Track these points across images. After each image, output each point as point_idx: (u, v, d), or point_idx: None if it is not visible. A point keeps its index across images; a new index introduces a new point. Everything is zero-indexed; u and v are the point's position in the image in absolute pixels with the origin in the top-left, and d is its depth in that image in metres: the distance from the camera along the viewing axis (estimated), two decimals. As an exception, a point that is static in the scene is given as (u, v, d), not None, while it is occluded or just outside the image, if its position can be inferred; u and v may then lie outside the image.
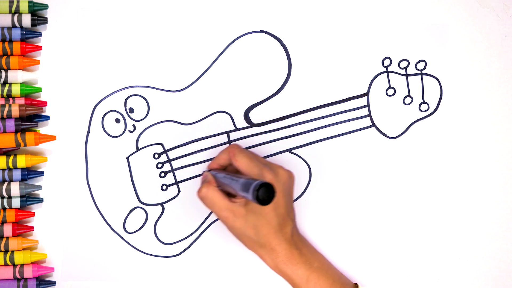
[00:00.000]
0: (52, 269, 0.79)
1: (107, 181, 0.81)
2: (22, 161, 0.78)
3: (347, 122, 0.82)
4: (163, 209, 0.81)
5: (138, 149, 0.81)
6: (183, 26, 0.82)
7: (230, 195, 0.74)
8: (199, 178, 0.81)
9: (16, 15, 0.79)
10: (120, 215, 0.81)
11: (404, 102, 0.83)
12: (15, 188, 0.78)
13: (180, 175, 0.81)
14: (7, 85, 0.79)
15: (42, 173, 0.80)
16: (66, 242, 0.80)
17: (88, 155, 0.81)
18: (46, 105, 0.81)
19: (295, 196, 0.82)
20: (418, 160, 0.82)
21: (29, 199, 0.79)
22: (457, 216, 0.82)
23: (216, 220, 0.81)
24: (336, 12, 0.83)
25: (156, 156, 0.81)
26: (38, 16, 0.80)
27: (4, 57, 0.79)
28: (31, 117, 0.79)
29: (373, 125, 0.82)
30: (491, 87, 0.83)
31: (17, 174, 0.78)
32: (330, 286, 0.75)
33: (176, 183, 0.81)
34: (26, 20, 0.79)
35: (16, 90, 0.79)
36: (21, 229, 0.79)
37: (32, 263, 0.79)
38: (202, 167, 0.82)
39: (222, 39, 0.82)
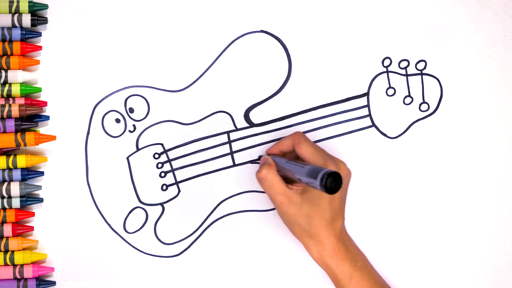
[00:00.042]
0: (52, 269, 0.79)
1: (107, 181, 0.81)
2: (22, 161, 0.78)
3: (347, 122, 0.82)
4: (163, 209, 0.81)
5: (138, 149, 0.81)
6: (183, 26, 0.82)
7: (287, 182, 0.74)
8: (199, 178, 0.81)
9: (16, 15, 0.79)
10: (120, 215, 0.81)
11: (404, 102, 0.83)
12: (15, 188, 0.78)
13: (180, 175, 0.81)
14: (7, 85, 0.79)
15: (42, 173, 0.80)
16: (66, 242, 0.80)
17: (88, 155, 0.81)
18: (46, 105, 0.81)
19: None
20: (418, 160, 0.82)
21: (29, 199, 0.79)
22: (457, 216, 0.82)
23: (216, 220, 0.81)
24: (336, 12, 0.83)
25: (156, 156, 0.81)
26: (38, 16, 0.81)
27: (4, 57, 0.79)
28: (31, 117, 0.79)
29: (373, 125, 0.82)
30: (491, 87, 0.83)
31: (17, 174, 0.78)
32: (372, 287, 0.74)
33: (176, 183, 0.81)
34: (26, 20, 0.80)
35: (16, 90, 0.79)
36: (21, 229, 0.79)
37: (32, 263, 0.79)
38: (202, 167, 0.82)
39: (222, 39, 0.82)
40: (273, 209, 0.82)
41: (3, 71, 0.79)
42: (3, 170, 0.78)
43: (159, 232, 0.81)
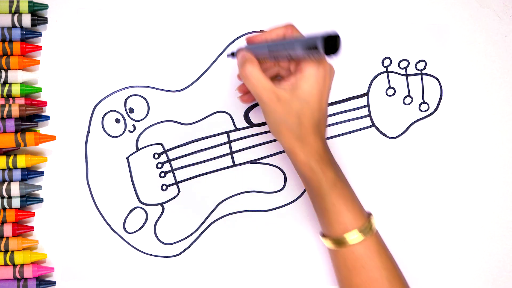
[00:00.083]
0: (52, 269, 0.79)
1: (107, 181, 0.81)
2: (22, 161, 0.78)
3: (347, 122, 0.82)
4: (163, 209, 0.81)
5: (138, 149, 0.81)
6: (183, 26, 0.82)
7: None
8: (199, 178, 0.81)
9: (16, 15, 0.79)
10: (120, 215, 0.81)
11: (404, 102, 0.83)
12: (15, 188, 0.78)
13: (180, 175, 0.81)
14: (7, 85, 0.79)
15: (42, 173, 0.80)
16: (66, 242, 0.80)
17: (88, 155, 0.81)
18: (46, 105, 0.81)
19: (294, 196, 0.82)
20: (418, 160, 0.82)
21: (29, 199, 0.79)
22: (457, 216, 0.82)
23: (216, 220, 0.81)
24: (336, 12, 0.83)
25: (156, 156, 0.81)
26: (38, 16, 0.81)
27: (4, 57, 0.79)
28: (31, 117, 0.80)
29: (373, 125, 0.82)
30: (491, 87, 0.83)
31: (17, 174, 0.78)
32: (352, 201, 0.70)
33: (176, 183, 0.81)
34: (26, 20, 0.80)
35: (16, 90, 0.79)
36: (21, 229, 0.79)
37: (32, 263, 0.79)
38: (202, 167, 0.82)
39: (222, 39, 0.82)
40: (273, 209, 0.82)
41: (3, 71, 0.79)
42: (3, 170, 0.78)
43: (159, 232, 0.81)
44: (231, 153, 0.82)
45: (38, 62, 0.80)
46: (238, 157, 0.82)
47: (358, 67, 0.83)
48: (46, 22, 0.81)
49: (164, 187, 0.81)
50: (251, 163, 0.82)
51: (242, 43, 0.82)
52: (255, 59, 0.69)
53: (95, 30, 0.81)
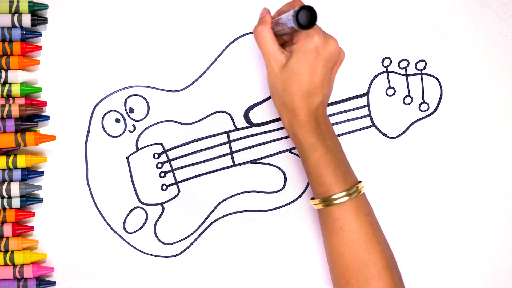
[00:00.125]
0: (52, 269, 0.79)
1: (107, 181, 0.81)
2: (22, 161, 0.78)
3: (347, 122, 0.82)
4: (163, 209, 0.81)
5: (138, 149, 0.81)
6: (183, 26, 0.82)
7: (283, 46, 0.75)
8: (199, 178, 0.81)
9: (16, 15, 0.79)
10: (120, 215, 0.81)
11: (404, 102, 0.83)
12: (15, 188, 0.78)
13: (180, 175, 0.81)
14: (7, 85, 0.79)
15: (42, 173, 0.80)
16: (66, 242, 0.80)
17: (88, 155, 0.81)
18: (46, 105, 0.81)
19: (294, 196, 0.82)
20: (418, 160, 0.82)
21: (29, 199, 0.79)
22: (457, 216, 0.82)
23: (216, 220, 0.81)
24: (336, 12, 0.83)
25: (156, 156, 0.81)
26: (38, 16, 0.81)
27: (4, 57, 0.79)
28: (31, 117, 0.80)
29: (373, 125, 0.82)
30: (491, 87, 0.83)
31: (17, 174, 0.78)
32: (335, 165, 0.74)
33: (176, 183, 0.81)
34: (26, 20, 0.80)
35: (16, 90, 0.79)
36: (21, 229, 0.79)
37: (32, 263, 0.79)
38: (202, 167, 0.82)
39: (222, 39, 0.82)
40: (273, 209, 0.82)
41: (3, 71, 0.79)
42: (3, 170, 0.78)
43: (159, 232, 0.81)
44: (231, 153, 0.82)
45: (38, 62, 0.80)
46: (238, 157, 0.82)
47: (358, 67, 0.83)
48: (46, 22, 0.81)
49: (164, 187, 0.81)
50: (251, 163, 0.82)
51: (242, 42, 0.82)
52: (269, 21, 0.74)
53: (95, 30, 0.81)
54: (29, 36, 0.80)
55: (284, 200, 0.82)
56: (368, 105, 0.82)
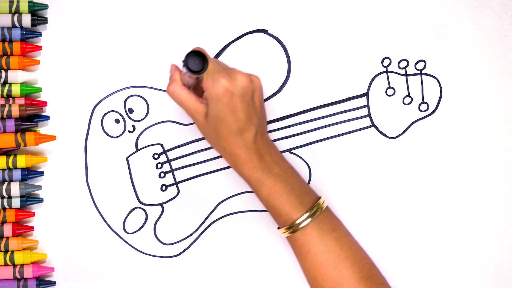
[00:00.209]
0: (52, 269, 0.79)
1: (106, 181, 0.81)
2: (22, 161, 0.78)
3: (347, 122, 0.82)
4: (163, 209, 0.81)
5: (137, 150, 0.81)
6: (183, 26, 0.82)
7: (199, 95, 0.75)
8: (199, 179, 0.81)
9: (16, 15, 0.79)
10: (119, 215, 0.81)
11: (403, 102, 0.83)
12: (15, 188, 0.78)
13: (180, 175, 0.81)
14: (7, 85, 0.79)
15: (42, 173, 0.80)
16: (66, 242, 0.80)
17: (87, 155, 0.81)
18: (46, 105, 0.81)
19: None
20: (417, 160, 0.82)
21: (29, 199, 0.79)
22: (457, 216, 0.82)
23: (216, 220, 0.81)
24: (335, 12, 0.83)
25: (156, 156, 0.81)
26: (38, 16, 0.81)
27: (4, 57, 0.79)
28: (31, 117, 0.80)
29: (373, 125, 0.82)
30: (491, 87, 0.83)
31: (17, 174, 0.79)
32: (287, 193, 0.74)
33: (176, 183, 0.81)
34: (26, 20, 0.80)
35: (16, 90, 0.79)
36: (21, 229, 0.79)
37: (32, 263, 0.79)
38: (202, 168, 0.82)
39: (222, 39, 0.82)
40: (273, 209, 0.82)
41: (3, 71, 0.79)
42: (3, 170, 0.78)
43: (159, 233, 0.81)
44: (231, 153, 0.82)
45: (38, 62, 0.80)
46: (238, 157, 0.82)
47: (357, 67, 0.83)
48: (46, 22, 0.81)
49: (163, 188, 0.81)
50: (250, 163, 0.82)
51: (241, 43, 0.82)
52: (177, 78, 0.74)
53: (95, 30, 0.81)
54: (29, 36, 0.80)
55: (284, 200, 0.82)
56: (367, 105, 0.82)
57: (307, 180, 0.82)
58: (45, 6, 0.81)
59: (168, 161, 0.81)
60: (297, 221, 0.74)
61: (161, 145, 0.81)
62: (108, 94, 0.81)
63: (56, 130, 0.81)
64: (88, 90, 0.81)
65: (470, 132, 0.83)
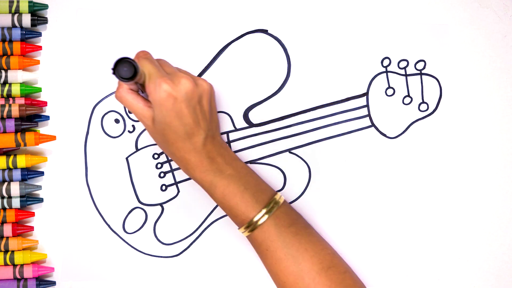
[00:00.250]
0: (52, 269, 0.79)
1: (106, 181, 0.81)
2: (22, 161, 0.78)
3: (346, 122, 0.82)
4: (163, 209, 0.81)
5: (137, 149, 0.81)
6: (182, 26, 0.82)
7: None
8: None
9: (16, 15, 0.79)
10: (119, 215, 0.81)
11: (403, 102, 0.83)
12: (15, 188, 0.78)
13: (180, 175, 0.81)
14: (7, 85, 0.79)
15: (42, 173, 0.80)
16: (66, 242, 0.80)
17: (87, 155, 0.81)
18: (46, 105, 0.81)
19: (294, 196, 0.82)
20: (417, 160, 0.82)
21: (29, 199, 0.79)
22: (457, 216, 0.82)
23: (216, 220, 0.81)
24: (335, 12, 0.83)
25: (156, 156, 0.81)
26: (38, 16, 0.81)
27: (4, 57, 0.79)
28: (31, 117, 0.80)
29: (373, 125, 0.82)
30: (491, 87, 0.83)
31: (17, 174, 0.79)
32: (241, 193, 0.74)
33: (176, 183, 0.81)
34: (26, 20, 0.80)
35: (16, 90, 0.79)
36: (21, 229, 0.79)
37: (32, 263, 0.79)
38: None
39: (221, 39, 0.82)
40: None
41: (3, 71, 0.79)
42: (3, 170, 0.78)
43: (159, 233, 0.81)
44: (231, 153, 0.82)
45: (38, 62, 0.80)
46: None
47: (357, 67, 0.83)
48: (46, 22, 0.81)
49: (163, 187, 0.81)
50: (250, 163, 0.82)
51: (241, 43, 0.82)
52: (122, 83, 0.73)
53: (95, 30, 0.81)
54: (29, 36, 0.80)
55: (283, 200, 0.82)
56: (367, 105, 0.82)
57: (306, 180, 0.82)
58: (45, 6, 0.81)
59: (168, 161, 0.81)
60: (254, 219, 0.74)
61: (161, 145, 0.81)
62: (108, 94, 0.81)
63: (56, 130, 0.81)
64: (88, 90, 0.81)
65: (470, 132, 0.83)
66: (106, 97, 0.81)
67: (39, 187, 0.80)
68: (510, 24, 0.84)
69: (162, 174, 0.81)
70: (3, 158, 0.78)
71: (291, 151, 0.82)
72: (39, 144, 0.79)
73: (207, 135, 0.74)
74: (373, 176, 0.82)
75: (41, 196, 0.80)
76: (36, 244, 0.80)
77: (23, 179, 0.79)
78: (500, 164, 0.83)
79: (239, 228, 0.75)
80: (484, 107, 0.83)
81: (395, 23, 0.83)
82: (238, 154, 0.82)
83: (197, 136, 0.73)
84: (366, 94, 0.83)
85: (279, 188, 0.82)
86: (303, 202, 0.82)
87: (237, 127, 0.82)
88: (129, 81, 0.68)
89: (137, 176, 0.81)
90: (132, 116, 0.81)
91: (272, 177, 0.82)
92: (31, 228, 0.80)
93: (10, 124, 0.78)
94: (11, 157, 0.78)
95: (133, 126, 0.81)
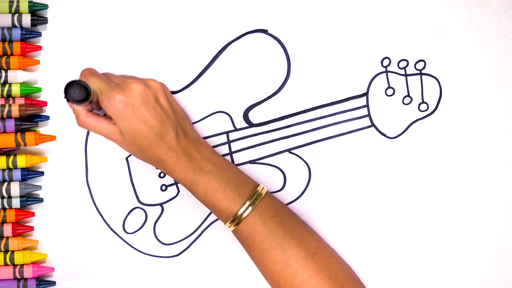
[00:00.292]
0: (52, 269, 0.79)
1: (106, 181, 0.81)
2: (22, 161, 0.78)
3: (346, 122, 0.82)
4: (163, 209, 0.81)
5: (137, 149, 0.81)
6: (183, 26, 0.82)
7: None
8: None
9: (16, 15, 0.79)
10: (119, 215, 0.81)
11: (403, 102, 0.83)
12: (15, 188, 0.78)
13: (180, 175, 0.81)
14: (7, 85, 0.79)
15: (42, 173, 0.80)
16: (66, 242, 0.80)
17: (87, 155, 0.81)
18: (46, 105, 0.81)
19: (294, 196, 0.82)
20: (417, 160, 0.82)
21: (29, 199, 0.79)
22: (457, 216, 0.82)
23: (216, 220, 0.81)
24: (335, 12, 0.83)
25: (156, 156, 0.81)
26: (38, 16, 0.81)
27: (4, 57, 0.79)
28: (31, 117, 0.80)
29: (373, 125, 0.82)
30: (491, 87, 0.83)
31: (17, 174, 0.79)
32: (223, 188, 0.74)
33: (176, 183, 0.81)
34: (26, 20, 0.80)
35: (16, 90, 0.79)
36: (21, 229, 0.79)
37: (32, 263, 0.79)
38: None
39: (221, 39, 0.82)
40: (273, 209, 0.82)
41: (3, 71, 0.79)
42: (3, 170, 0.78)
43: (159, 233, 0.81)
44: (231, 153, 0.82)
45: (38, 62, 0.80)
46: (238, 157, 0.82)
47: (357, 67, 0.83)
48: (46, 22, 0.81)
49: (163, 187, 0.81)
50: (250, 163, 0.82)
51: (241, 43, 0.82)
52: (79, 108, 0.73)
53: (95, 30, 0.82)
54: (29, 36, 0.80)
55: (283, 200, 0.82)
56: (367, 105, 0.82)
57: (306, 180, 0.82)
58: (45, 6, 0.81)
59: (168, 161, 0.81)
60: (239, 213, 0.74)
61: (161, 145, 0.81)
62: (108, 94, 0.81)
63: (56, 130, 0.81)
64: (88, 90, 0.81)
65: (470, 132, 0.83)
66: (106, 97, 0.81)
67: (39, 187, 0.80)
68: (510, 24, 0.84)
69: (162, 174, 0.81)
70: (3, 158, 0.78)
71: (291, 151, 0.82)
72: (39, 144, 0.79)
73: (176, 131, 0.74)
74: (373, 176, 0.82)
75: (41, 196, 0.80)
76: (36, 244, 0.80)
77: (23, 179, 0.79)
78: (500, 164, 0.83)
79: (224, 224, 0.75)
80: (484, 107, 0.83)
81: (395, 23, 0.83)
82: (238, 154, 0.82)
83: (167, 135, 0.73)
84: (366, 94, 0.82)
85: (279, 189, 0.82)
86: (303, 202, 0.82)
87: (237, 127, 0.82)
88: (83, 103, 0.68)
89: (137, 176, 0.81)
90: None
91: (272, 177, 0.82)
92: (31, 228, 0.80)
93: (10, 124, 0.78)
94: (11, 157, 0.78)
95: (133, 126, 0.81)
